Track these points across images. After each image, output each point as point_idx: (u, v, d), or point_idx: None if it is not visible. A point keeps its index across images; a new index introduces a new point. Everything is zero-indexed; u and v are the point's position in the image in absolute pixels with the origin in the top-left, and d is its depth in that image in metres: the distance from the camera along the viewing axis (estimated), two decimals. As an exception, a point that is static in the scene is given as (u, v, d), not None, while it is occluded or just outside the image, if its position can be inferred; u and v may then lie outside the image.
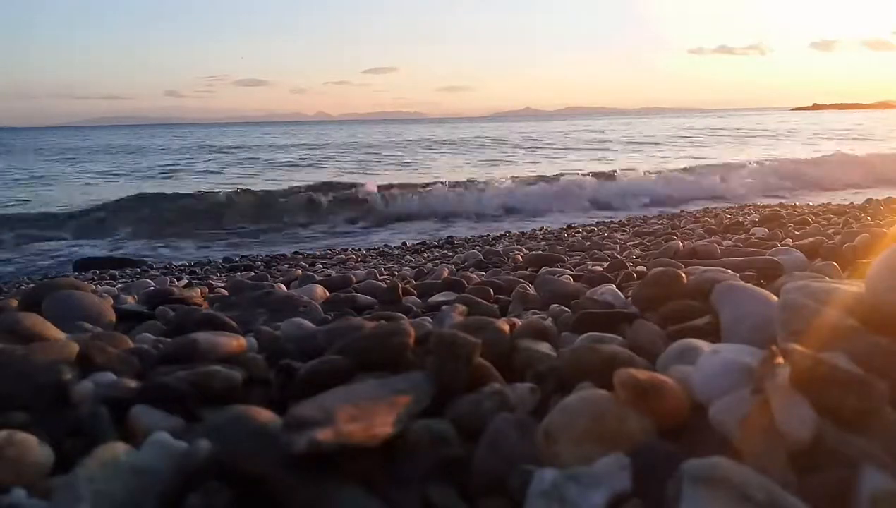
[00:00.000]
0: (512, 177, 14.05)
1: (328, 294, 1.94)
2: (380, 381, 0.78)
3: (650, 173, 14.36)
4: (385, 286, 1.95)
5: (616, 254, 3.00)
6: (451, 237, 7.05)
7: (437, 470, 0.65)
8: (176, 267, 5.90)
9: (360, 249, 6.61)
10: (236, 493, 0.59)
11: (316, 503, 0.58)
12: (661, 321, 1.07)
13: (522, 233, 7.09)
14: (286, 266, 4.98)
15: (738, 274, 1.33)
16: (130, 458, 0.61)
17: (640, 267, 1.91)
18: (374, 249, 6.50)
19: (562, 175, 14.22)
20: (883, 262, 0.77)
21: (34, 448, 0.67)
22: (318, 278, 2.56)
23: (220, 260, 6.25)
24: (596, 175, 14.09)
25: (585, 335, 1.00)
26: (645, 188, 12.79)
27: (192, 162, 23.68)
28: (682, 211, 8.63)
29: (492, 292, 1.74)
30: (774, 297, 0.90)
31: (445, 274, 2.41)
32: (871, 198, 7.11)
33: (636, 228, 5.84)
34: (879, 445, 0.57)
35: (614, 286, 1.43)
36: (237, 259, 6.32)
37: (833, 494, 0.53)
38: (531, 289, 1.68)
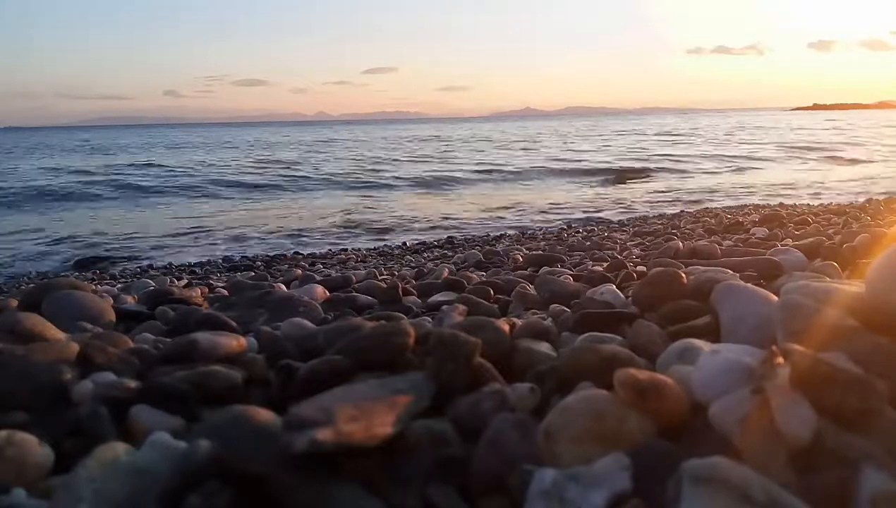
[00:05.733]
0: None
1: (328, 294, 1.94)
2: (380, 381, 0.78)
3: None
4: (385, 286, 1.95)
5: (616, 254, 3.00)
6: (451, 237, 7.05)
7: (437, 470, 0.65)
8: (176, 267, 5.90)
9: (360, 249, 6.61)
10: (236, 493, 0.59)
11: (316, 503, 0.58)
12: (661, 321, 1.07)
13: (522, 233, 7.09)
14: (286, 266, 4.98)
15: (738, 274, 1.33)
16: (130, 458, 0.61)
17: (640, 267, 1.91)
18: (374, 249, 6.50)
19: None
20: (883, 262, 0.77)
21: (34, 448, 0.67)
22: (318, 278, 2.56)
23: (220, 260, 6.25)
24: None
25: (585, 335, 1.00)
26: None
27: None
28: (682, 211, 8.63)
29: (492, 292, 1.74)
30: (774, 297, 0.90)
31: (445, 274, 2.42)
32: (871, 198, 7.11)
33: (636, 228, 5.84)
34: (879, 445, 0.57)
35: (614, 286, 1.43)
36: (237, 259, 6.32)
37: (833, 494, 0.53)
38: (531, 289, 1.68)
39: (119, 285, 3.29)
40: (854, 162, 16.51)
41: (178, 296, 1.87)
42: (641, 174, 15.03)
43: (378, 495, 0.61)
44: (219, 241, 7.92)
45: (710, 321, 1.00)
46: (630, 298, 1.27)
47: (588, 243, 4.26)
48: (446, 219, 8.97)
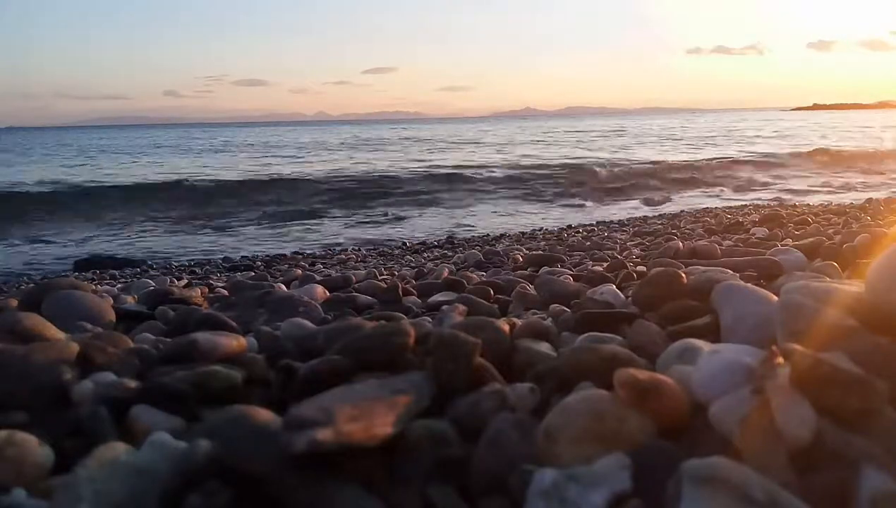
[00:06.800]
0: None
1: (328, 294, 1.94)
2: (380, 381, 0.77)
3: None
4: (385, 286, 1.95)
5: (616, 254, 3.00)
6: (451, 237, 7.05)
7: (437, 470, 0.65)
8: (176, 267, 5.90)
9: (359, 249, 6.61)
10: (236, 493, 0.59)
11: (316, 503, 0.58)
12: (661, 321, 1.07)
13: (522, 233, 7.09)
14: (286, 266, 4.98)
15: (738, 274, 1.33)
16: (130, 458, 0.61)
17: (640, 267, 1.91)
18: (374, 249, 6.50)
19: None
20: (883, 262, 0.77)
21: (34, 448, 0.67)
22: (318, 278, 2.56)
23: (220, 260, 6.25)
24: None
25: (585, 335, 1.00)
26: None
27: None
28: (682, 211, 8.63)
29: (492, 292, 1.74)
30: (774, 297, 0.90)
31: (445, 274, 2.42)
32: (871, 198, 7.11)
33: (636, 228, 5.84)
34: (879, 445, 0.57)
35: (614, 286, 1.43)
36: (237, 259, 6.32)
37: (833, 494, 0.53)
38: (531, 289, 1.68)
39: (119, 285, 3.29)
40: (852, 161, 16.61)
41: (178, 296, 1.87)
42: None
43: (378, 495, 0.61)
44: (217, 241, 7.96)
45: (710, 321, 1.00)
46: (630, 298, 1.27)
47: (588, 243, 4.26)
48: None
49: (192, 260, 6.58)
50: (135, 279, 4.52)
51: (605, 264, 2.24)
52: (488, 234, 7.36)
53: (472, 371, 0.81)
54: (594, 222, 8.06)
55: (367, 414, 0.64)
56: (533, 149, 24.71)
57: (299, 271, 3.57)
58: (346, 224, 10.15)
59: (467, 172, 15.76)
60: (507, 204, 12.03)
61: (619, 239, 4.58)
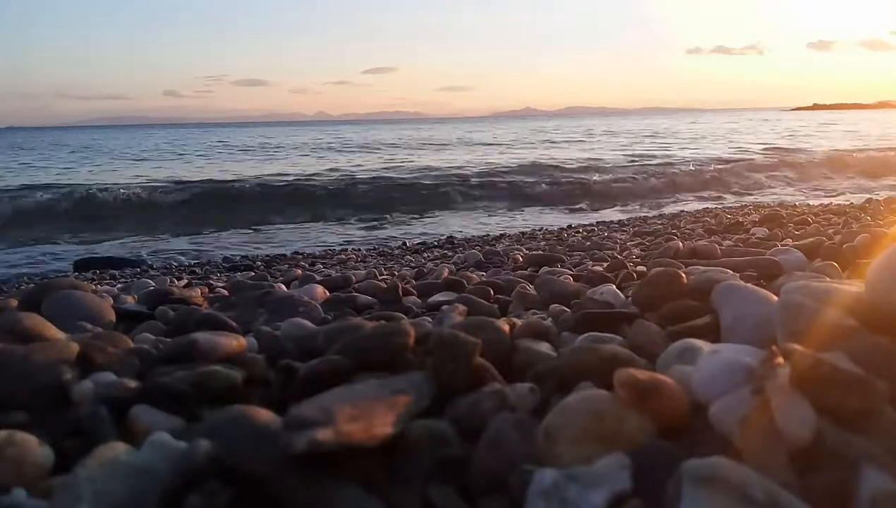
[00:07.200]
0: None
1: (328, 294, 1.94)
2: (380, 381, 0.77)
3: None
4: (385, 286, 1.95)
5: (616, 254, 3.00)
6: (451, 237, 7.05)
7: (437, 470, 0.65)
8: (176, 267, 5.90)
9: (360, 249, 6.62)
10: (236, 493, 0.59)
11: (316, 503, 0.58)
12: (661, 321, 1.07)
13: (522, 233, 7.09)
14: (286, 266, 4.98)
15: (738, 274, 1.33)
16: (130, 458, 0.61)
17: (640, 267, 1.91)
18: (374, 249, 6.51)
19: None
20: (883, 262, 0.77)
21: (34, 448, 0.67)
22: (318, 278, 2.56)
23: (220, 260, 6.25)
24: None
25: (585, 335, 1.00)
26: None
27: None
28: (681, 211, 8.64)
29: (492, 292, 1.74)
30: (774, 297, 0.90)
31: (445, 274, 2.42)
32: (871, 198, 7.11)
33: (636, 228, 5.84)
34: (879, 445, 0.57)
35: (614, 286, 1.43)
36: (237, 259, 6.32)
37: (833, 494, 0.53)
38: (531, 289, 1.68)
39: (119, 285, 3.28)
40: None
41: (178, 296, 1.87)
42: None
43: (378, 495, 0.61)
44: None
45: (710, 321, 1.00)
46: (630, 298, 1.27)
47: (588, 243, 4.26)
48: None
49: (192, 260, 6.59)
50: (135, 279, 4.51)
51: (605, 264, 2.24)
52: (488, 234, 7.36)
53: (472, 371, 0.81)
54: (594, 222, 8.07)
55: (367, 414, 0.64)
56: (533, 149, 24.76)
57: (299, 271, 3.57)
58: (345, 224, 10.14)
59: (467, 172, 15.72)
60: (507, 203, 12.05)
61: (619, 239, 4.58)
